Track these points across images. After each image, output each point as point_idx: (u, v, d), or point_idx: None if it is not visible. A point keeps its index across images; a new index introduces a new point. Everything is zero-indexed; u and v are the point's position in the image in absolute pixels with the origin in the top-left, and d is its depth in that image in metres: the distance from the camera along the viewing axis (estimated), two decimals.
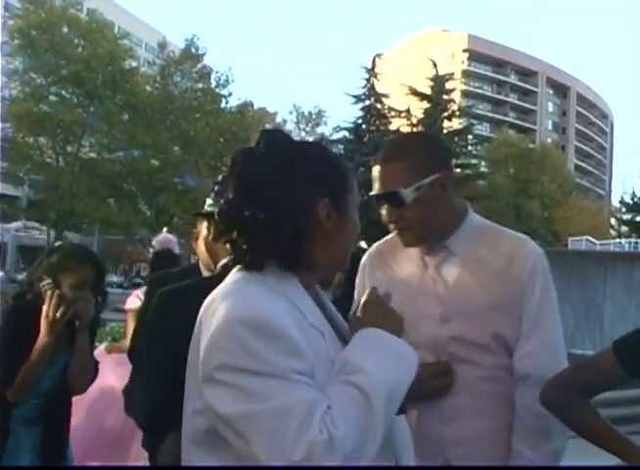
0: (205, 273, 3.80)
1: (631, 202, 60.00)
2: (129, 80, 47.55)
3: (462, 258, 2.53)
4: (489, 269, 2.49)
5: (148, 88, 50.39)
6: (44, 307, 3.49)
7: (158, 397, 2.81)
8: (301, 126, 68.67)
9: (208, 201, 3.14)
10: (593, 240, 39.34)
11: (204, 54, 51.68)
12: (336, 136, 59.73)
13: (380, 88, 57.35)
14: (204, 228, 3.59)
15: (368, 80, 57.00)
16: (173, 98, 49.45)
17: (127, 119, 48.00)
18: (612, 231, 64.28)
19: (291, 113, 69.69)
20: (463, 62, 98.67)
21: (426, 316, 2.47)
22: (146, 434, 3.12)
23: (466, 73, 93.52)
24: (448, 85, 58.89)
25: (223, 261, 2.88)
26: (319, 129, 68.47)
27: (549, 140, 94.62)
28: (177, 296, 2.87)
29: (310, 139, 67.82)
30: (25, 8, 46.91)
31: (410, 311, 2.30)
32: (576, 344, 16.54)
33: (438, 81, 57.47)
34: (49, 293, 3.50)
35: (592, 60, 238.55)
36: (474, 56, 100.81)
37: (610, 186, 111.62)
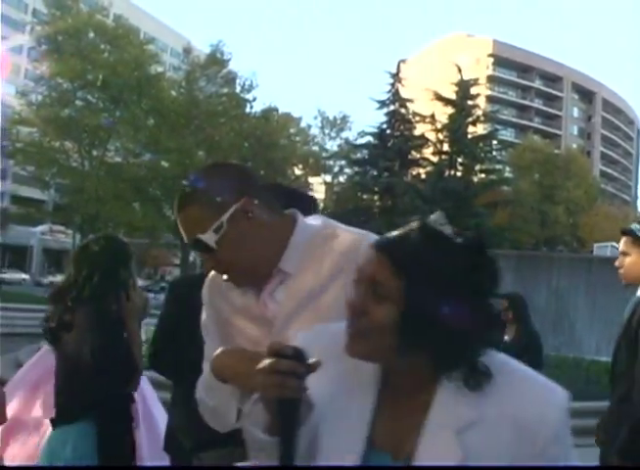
0: None
1: None
2: (155, 85, 47.76)
3: (294, 276, 2.26)
4: (317, 282, 2.24)
5: (173, 93, 50.62)
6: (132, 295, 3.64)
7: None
8: (326, 131, 68.69)
9: None
10: (618, 247, 38.97)
11: (229, 59, 51.89)
12: (360, 141, 59.87)
13: (404, 93, 57.37)
14: None
15: (393, 85, 57.01)
16: (198, 103, 49.62)
17: (152, 124, 48.26)
18: None
19: (315, 118, 69.63)
20: (488, 67, 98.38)
21: (256, 342, 2.22)
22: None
23: (491, 79, 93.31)
24: (473, 90, 58.79)
25: None
26: (343, 134, 68.55)
27: (574, 146, 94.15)
28: None
29: (335, 144, 68.30)
30: (52, 14, 47.31)
31: (245, 341, 2.27)
32: (602, 351, 16.38)
33: (463, 86, 57.37)
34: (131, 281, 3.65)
35: (618, 65, 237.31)
36: (499, 61, 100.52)
37: (636, 192, 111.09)
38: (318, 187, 62.73)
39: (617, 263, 4.42)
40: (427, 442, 1.61)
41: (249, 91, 52.52)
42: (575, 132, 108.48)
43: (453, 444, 1.59)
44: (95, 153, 47.78)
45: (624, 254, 4.31)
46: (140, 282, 54.73)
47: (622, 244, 4.35)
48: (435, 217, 1.66)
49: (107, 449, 3.48)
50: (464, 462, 1.57)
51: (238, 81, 52.43)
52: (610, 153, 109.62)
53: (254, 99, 53.07)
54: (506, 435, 1.59)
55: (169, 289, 4.17)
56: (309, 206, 3.06)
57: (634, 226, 4.19)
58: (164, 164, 48.18)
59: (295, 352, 1.58)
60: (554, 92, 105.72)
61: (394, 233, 1.68)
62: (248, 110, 53.03)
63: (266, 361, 1.56)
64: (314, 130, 68.43)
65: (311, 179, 63.93)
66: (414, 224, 1.68)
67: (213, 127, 49.10)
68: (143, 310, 3.87)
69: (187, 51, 53.13)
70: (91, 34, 47.60)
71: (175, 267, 57.92)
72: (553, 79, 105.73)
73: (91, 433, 3.50)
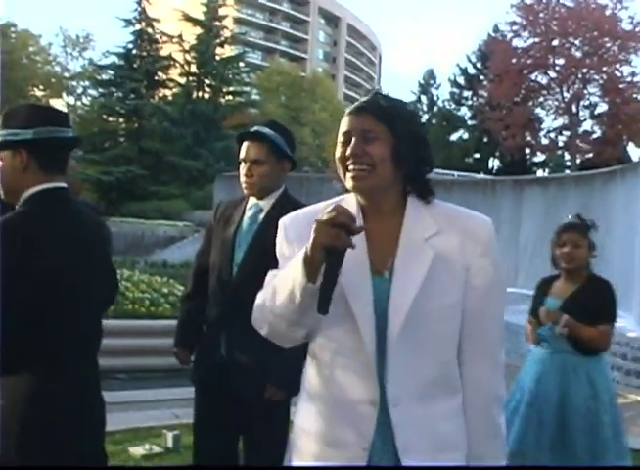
0: None
1: None
2: None
3: None
4: None
5: None
6: None
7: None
8: (68, 50, 66.01)
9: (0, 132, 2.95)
10: None
11: None
12: (105, 62, 58.09)
13: (151, 12, 56.03)
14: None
15: (139, 4, 55.49)
16: None
17: None
18: None
19: (57, 36, 66.93)
20: None
21: None
22: None
23: (239, 0, 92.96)
24: (221, 11, 58.47)
25: (31, 191, 2.93)
26: (87, 54, 66.16)
27: (320, 69, 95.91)
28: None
29: (78, 64, 65.82)
30: None
31: None
32: None
33: (211, 7, 56.92)
34: None
35: None
36: None
37: None
38: (60, 109, 60.52)
39: None
40: (404, 247, 2.23)
41: None
42: (321, 56, 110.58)
43: (425, 246, 2.22)
44: None
45: None
46: None
47: None
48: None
49: None
50: (434, 260, 2.19)
51: None
52: (353, 77, 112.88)
53: None
54: (458, 239, 2.24)
55: (6, 228, 3.91)
56: (61, 120, 3.10)
57: None
58: None
59: (350, 213, 2.05)
60: (301, 16, 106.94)
61: (362, 99, 2.35)
62: None
63: (326, 215, 2.04)
64: (55, 49, 65.66)
65: (53, 101, 61.43)
66: (370, 94, 2.38)
67: None
68: None
69: None
70: None
71: None
72: (300, 3, 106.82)
73: None
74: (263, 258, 3.80)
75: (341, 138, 2.29)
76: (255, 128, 4.22)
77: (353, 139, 2.24)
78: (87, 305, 3.06)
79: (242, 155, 4.11)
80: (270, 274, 2.35)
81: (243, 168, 4.11)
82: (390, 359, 2.17)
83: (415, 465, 2.13)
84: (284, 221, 2.44)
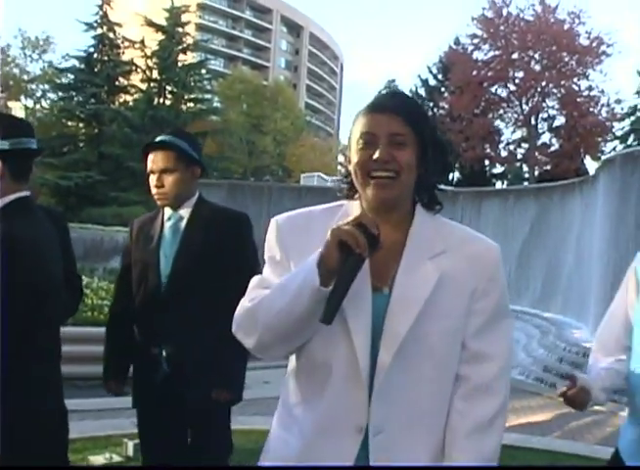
0: None
1: None
2: None
3: None
4: None
5: None
6: None
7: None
8: (28, 53, 65.31)
9: None
10: (324, 176, 40.56)
11: None
12: (65, 65, 57.57)
13: (113, 17, 55.78)
14: None
15: (101, 8, 55.24)
16: None
17: None
18: (341, 168, 66.86)
19: (15, 37, 66.10)
20: None
21: None
22: None
23: (201, 7, 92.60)
24: (184, 18, 58.38)
25: (5, 200, 2.96)
26: (47, 57, 65.48)
27: (282, 78, 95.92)
28: None
29: (37, 66, 65.18)
30: None
31: None
32: None
33: (174, 13, 56.83)
34: None
35: (326, 2, 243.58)
36: None
37: (338, 125, 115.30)
38: (18, 112, 59.73)
39: None
40: (407, 263, 2.07)
41: None
42: (283, 65, 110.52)
43: (430, 265, 2.07)
44: None
45: None
46: None
47: None
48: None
49: None
50: (440, 280, 2.04)
51: None
52: (315, 86, 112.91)
53: None
54: (465, 262, 2.09)
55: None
56: (30, 131, 3.16)
57: None
58: None
59: (375, 221, 1.94)
60: (263, 24, 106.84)
61: (384, 96, 2.19)
62: None
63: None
64: (14, 51, 64.96)
65: (11, 104, 60.73)
66: (391, 91, 2.35)
67: None
68: None
69: None
70: None
71: None
72: (263, 11, 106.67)
73: None
74: (192, 263, 3.91)
75: (361, 139, 2.08)
76: (159, 138, 4.10)
77: (380, 143, 2.04)
78: (50, 310, 3.09)
79: (149, 166, 4.02)
80: (256, 279, 2.17)
81: (152, 180, 4.02)
82: (379, 382, 2.00)
83: (409, 465, 2.00)
84: (277, 220, 2.22)
